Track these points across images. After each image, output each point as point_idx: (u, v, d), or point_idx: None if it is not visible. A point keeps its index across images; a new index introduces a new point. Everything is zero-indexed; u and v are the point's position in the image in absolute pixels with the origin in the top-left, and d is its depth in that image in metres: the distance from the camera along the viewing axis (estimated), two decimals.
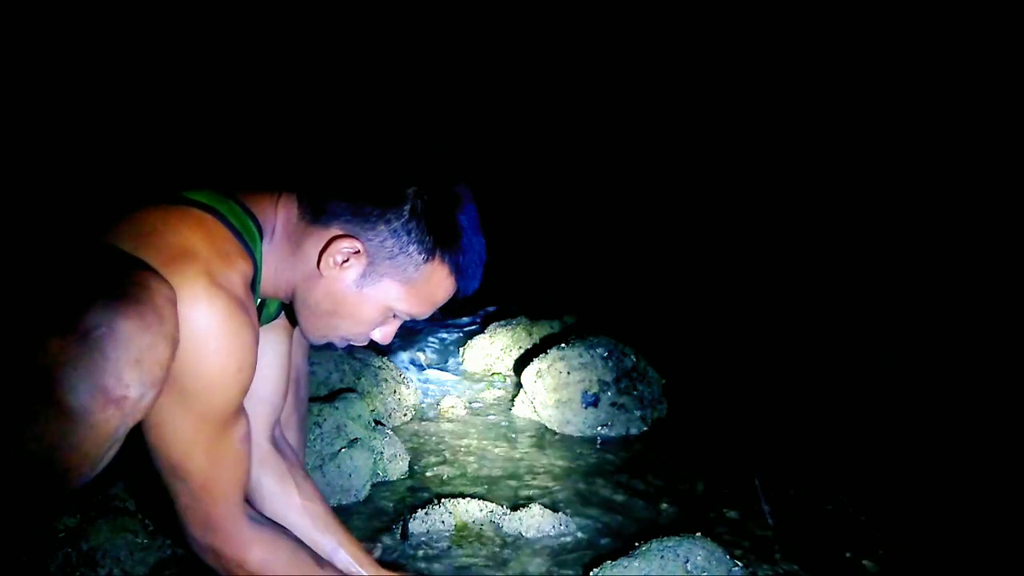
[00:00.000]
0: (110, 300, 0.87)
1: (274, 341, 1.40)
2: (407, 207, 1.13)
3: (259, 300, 1.29)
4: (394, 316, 1.21)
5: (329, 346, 1.26)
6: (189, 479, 1.08)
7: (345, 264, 1.14)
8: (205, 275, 1.01)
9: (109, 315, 0.86)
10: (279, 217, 1.18)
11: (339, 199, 1.13)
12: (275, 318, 1.39)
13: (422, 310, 1.20)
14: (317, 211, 1.15)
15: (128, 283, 0.91)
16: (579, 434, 2.50)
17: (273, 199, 1.19)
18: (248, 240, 1.12)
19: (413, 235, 1.13)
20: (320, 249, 1.14)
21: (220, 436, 1.09)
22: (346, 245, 1.12)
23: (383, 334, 1.23)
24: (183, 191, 1.12)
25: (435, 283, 1.17)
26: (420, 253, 1.14)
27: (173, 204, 1.09)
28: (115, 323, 0.86)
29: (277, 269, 1.19)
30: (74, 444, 0.86)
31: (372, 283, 1.15)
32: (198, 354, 1.01)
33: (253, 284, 1.14)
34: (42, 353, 0.83)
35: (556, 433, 2.51)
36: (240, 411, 1.12)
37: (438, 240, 1.15)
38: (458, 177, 1.18)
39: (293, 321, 1.30)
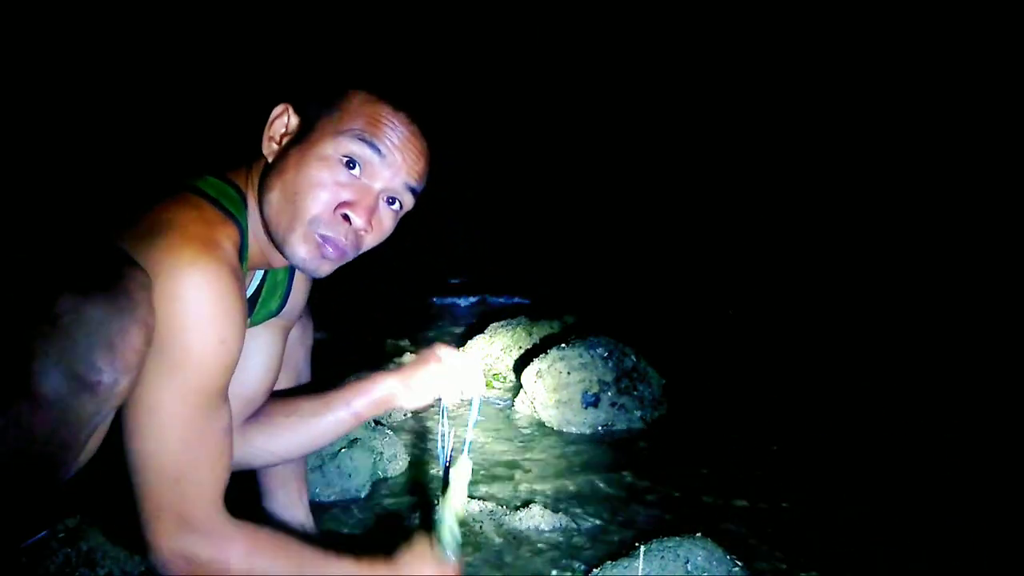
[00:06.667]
0: (80, 286, 0.87)
1: (267, 342, 1.38)
2: (331, 85, 1.17)
3: (259, 281, 1.28)
4: (351, 165, 1.11)
5: (324, 255, 1.13)
6: (163, 471, 1.00)
7: (283, 135, 1.16)
8: (189, 241, 1.01)
9: (78, 301, 0.86)
10: (252, 182, 1.19)
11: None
12: (275, 315, 1.38)
13: (368, 130, 1.12)
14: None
15: (100, 269, 0.91)
16: (579, 434, 2.50)
17: (245, 170, 1.21)
18: (231, 207, 1.13)
19: (327, 83, 1.17)
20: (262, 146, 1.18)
21: (199, 421, 1.02)
22: (276, 110, 1.17)
23: (362, 215, 1.11)
24: (163, 178, 1.13)
25: (361, 104, 1.14)
26: (337, 85, 1.17)
27: (154, 189, 1.10)
28: (84, 309, 0.86)
29: (257, 227, 1.17)
30: (51, 432, 0.86)
31: (306, 133, 1.14)
32: (179, 324, 0.98)
33: (241, 251, 1.13)
34: (14, 341, 0.84)
35: (556, 433, 2.51)
36: (223, 397, 1.07)
37: (351, 79, 1.17)
38: None
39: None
